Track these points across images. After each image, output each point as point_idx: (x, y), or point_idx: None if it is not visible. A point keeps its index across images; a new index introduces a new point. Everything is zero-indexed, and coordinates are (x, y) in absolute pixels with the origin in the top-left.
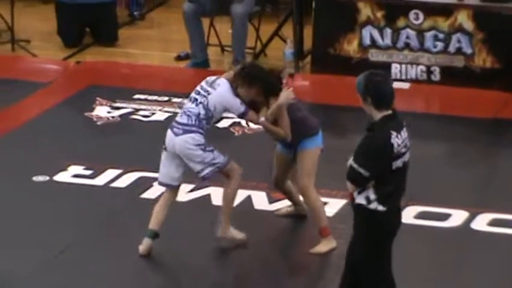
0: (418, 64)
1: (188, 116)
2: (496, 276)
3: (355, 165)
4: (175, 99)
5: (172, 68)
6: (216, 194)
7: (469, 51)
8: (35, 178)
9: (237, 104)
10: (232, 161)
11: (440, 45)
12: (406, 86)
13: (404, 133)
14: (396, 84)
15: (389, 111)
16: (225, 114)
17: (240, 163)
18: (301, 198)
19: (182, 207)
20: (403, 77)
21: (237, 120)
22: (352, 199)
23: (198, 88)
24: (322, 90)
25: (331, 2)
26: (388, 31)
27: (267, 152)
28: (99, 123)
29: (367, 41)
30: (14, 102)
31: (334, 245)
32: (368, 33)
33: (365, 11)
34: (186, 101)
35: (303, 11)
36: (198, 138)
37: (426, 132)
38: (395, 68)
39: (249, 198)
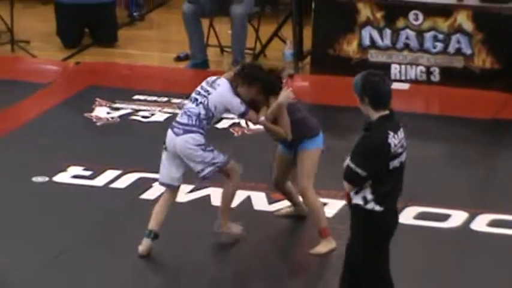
0: (417, 65)
1: (188, 116)
2: (496, 277)
3: (352, 165)
4: (174, 100)
5: (171, 69)
6: (216, 195)
7: (468, 51)
8: (34, 179)
9: (237, 103)
10: (232, 160)
11: (439, 45)
12: (405, 86)
13: (401, 133)
14: (396, 85)
15: (387, 112)
16: (224, 115)
17: (240, 164)
18: (300, 199)
19: (182, 208)
20: (403, 78)
21: (237, 121)
22: (349, 199)
23: (198, 88)
24: (321, 90)
25: (330, 2)
26: (387, 32)
27: (266, 152)
28: (98, 124)
29: (366, 42)
30: (13, 102)
31: (334, 245)
32: (367, 33)
33: (364, 11)
34: (185, 101)
35: (303, 12)
36: (199, 138)
37: (426, 132)
38: (394, 69)
39: (248, 198)
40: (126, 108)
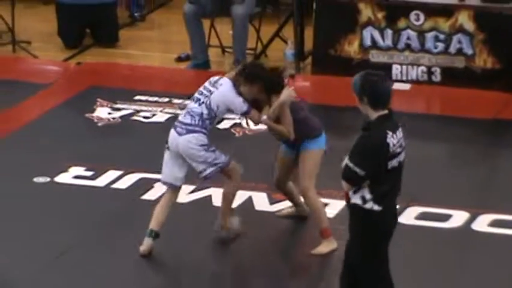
0: (418, 65)
1: (191, 116)
2: (497, 277)
3: (350, 164)
4: (175, 101)
5: (172, 69)
6: (217, 195)
7: (469, 51)
8: (35, 179)
9: (239, 102)
10: (233, 161)
11: (441, 46)
12: (406, 87)
13: (399, 133)
14: (397, 85)
15: (386, 111)
16: (226, 115)
17: (241, 164)
18: (302, 199)
19: (183, 208)
20: (404, 78)
21: (238, 121)
22: (348, 199)
23: (201, 88)
24: (322, 91)
25: (331, 3)
26: (388, 32)
27: (267, 153)
28: (99, 124)
29: (367, 42)
30: (15, 103)
31: (335, 246)
32: (369, 34)
33: (366, 12)
34: (187, 102)
35: (304, 12)
36: (202, 138)
37: (427, 133)
38: (396, 69)
39: (249, 199)
40: (127, 109)
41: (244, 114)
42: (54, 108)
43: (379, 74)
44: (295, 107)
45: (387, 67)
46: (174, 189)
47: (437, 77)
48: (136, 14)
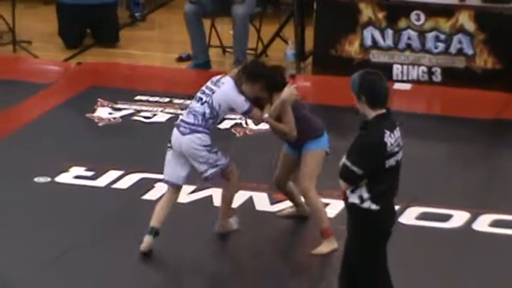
0: (419, 65)
1: (194, 115)
2: (498, 277)
3: (348, 163)
4: (176, 101)
5: (173, 69)
6: (218, 196)
7: (470, 52)
8: (36, 179)
9: (241, 101)
10: (233, 163)
11: (441, 46)
12: (407, 87)
13: (397, 132)
14: (398, 85)
15: (383, 110)
16: (226, 115)
17: (242, 164)
18: (302, 199)
19: (183, 209)
20: (405, 78)
21: (239, 121)
22: (346, 198)
23: (203, 87)
24: (323, 91)
25: (332, 2)
26: (389, 32)
27: (268, 153)
28: (100, 124)
29: (368, 42)
30: (15, 103)
31: (336, 246)
32: (369, 34)
33: (366, 12)
34: (187, 102)
35: (304, 12)
36: (205, 139)
37: (427, 133)
38: (396, 69)
39: (250, 199)
40: (128, 109)
41: (246, 113)
42: (55, 108)
43: (377, 73)
44: (297, 105)
45: (388, 67)
46: (176, 188)
47: (437, 77)
48: (136, 14)
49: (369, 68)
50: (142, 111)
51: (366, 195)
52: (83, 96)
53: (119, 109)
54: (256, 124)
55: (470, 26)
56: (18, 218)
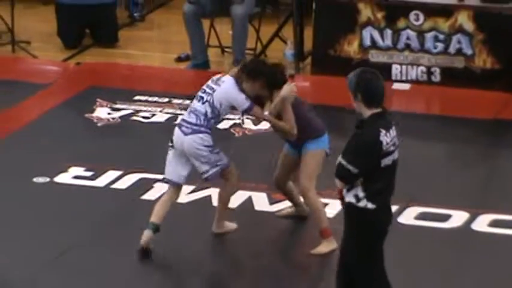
0: (418, 65)
1: (196, 115)
2: (497, 277)
3: (343, 162)
4: (175, 101)
5: (172, 70)
6: (217, 195)
7: (469, 52)
8: (35, 179)
9: (242, 99)
10: (232, 163)
11: (440, 46)
12: (406, 87)
13: (393, 131)
14: (397, 85)
15: (379, 109)
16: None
17: (241, 164)
18: (302, 199)
19: (182, 209)
20: (404, 78)
21: (238, 121)
22: (341, 197)
23: (204, 87)
24: (322, 91)
25: (331, 3)
26: (388, 32)
27: (267, 153)
28: (99, 124)
29: (367, 42)
30: (14, 103)
31: (335, 246)
32: (368, 34)
33: (365, 12)
34: (186, 102)
35: (303, 12)
36: (207, 139)
37: (426, 133)
38: (395, 69)
39: (249, 199)
40: (127, 109)
41: (247, 111)
42: (54, 108)
43: (373, 72)
44: (297, 103)
45: (387, 67)
46: (177, 187)
47: (436, 77)
48: (135, 14)
49: (365, 67)
50: (141, 111)
51: (361, 194)
52: (82, 97)
53: (118, 109)
54: (256, 123)
55: (469, 26)
56: (18, 218)
